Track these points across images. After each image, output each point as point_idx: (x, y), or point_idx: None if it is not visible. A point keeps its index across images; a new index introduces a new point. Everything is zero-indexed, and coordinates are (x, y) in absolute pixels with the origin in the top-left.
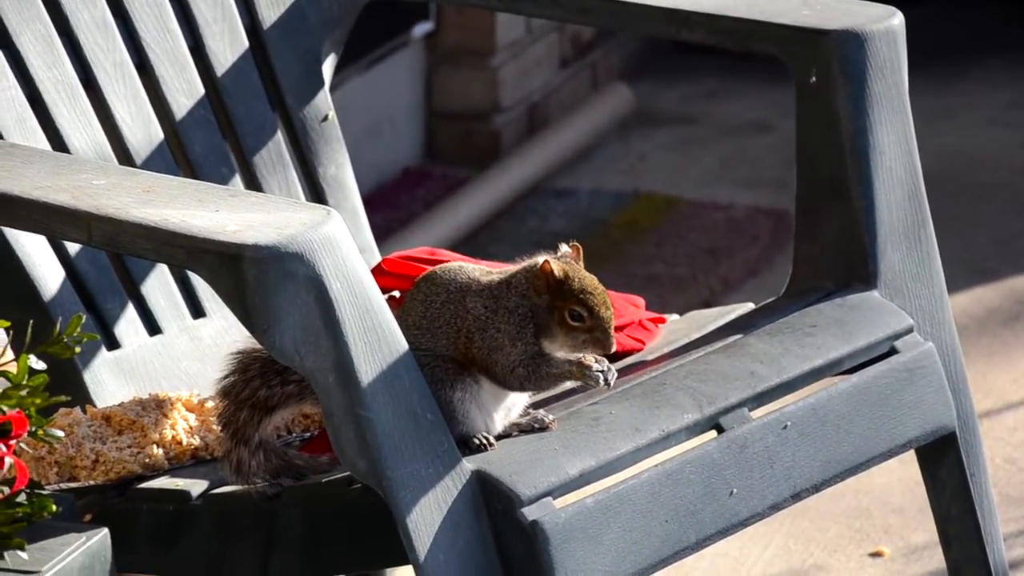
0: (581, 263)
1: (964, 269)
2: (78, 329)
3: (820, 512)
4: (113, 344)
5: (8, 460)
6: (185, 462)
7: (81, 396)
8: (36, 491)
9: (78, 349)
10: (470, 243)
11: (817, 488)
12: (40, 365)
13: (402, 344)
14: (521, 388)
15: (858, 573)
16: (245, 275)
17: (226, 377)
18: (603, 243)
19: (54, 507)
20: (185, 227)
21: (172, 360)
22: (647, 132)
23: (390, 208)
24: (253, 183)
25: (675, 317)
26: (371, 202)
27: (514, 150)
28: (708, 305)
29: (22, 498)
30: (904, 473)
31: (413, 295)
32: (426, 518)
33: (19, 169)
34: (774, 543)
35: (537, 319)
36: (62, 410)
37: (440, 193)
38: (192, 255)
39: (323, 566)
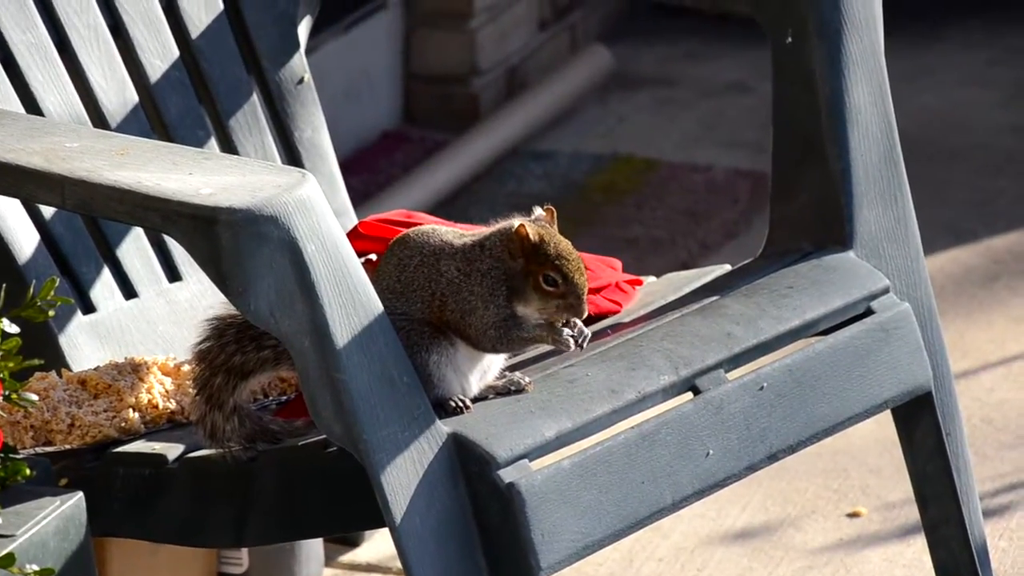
0: (555, 227)
1: (942, 230)
2: (52, 292)
3: (797, 473)
4: (89, 308)
5: None
6: (161, 426)
7: (57, 360)
8: (10, 455)
9: (52, 313)
10: (448, 206)
11: (793, 449)
12: (13, 329)
13: (377, 307)
14: (493, 350)
15: (835, 533)
16: (219, 238)
17: (201, 342)
18: (582, 205)
19: (28, 471)
20: (159, 190)
21: (148, 324)
22: (626, 94)
23: (368, 171)
24: (229, 146)
25: (652, 279)
26: (349, 166)
27: (492, 113)
28: (686, 267)
29: None
30: (881, 433)
31: (387, 258)
32: (402, 481)
33: None
34: (752, 504)
35: (511, 282)
36: (37, 374)
37: (418, 156)
38: (166, 218)
39: (299, 529)
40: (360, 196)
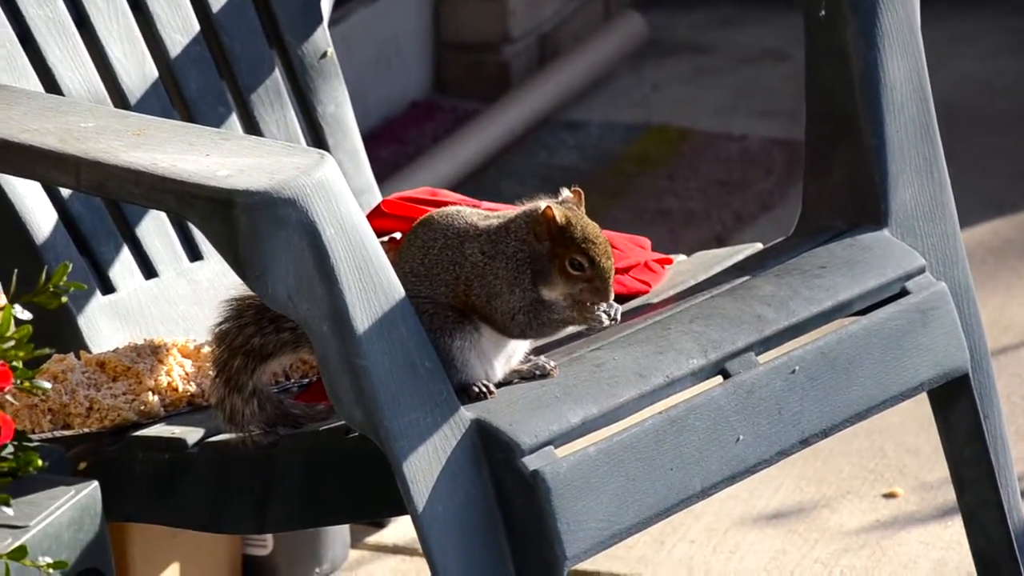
0: (583, 208)
1: (982, 201)
2: (64, 277)
3: (833, 452)
4: (108, 288)
5: None
6: (181, 409)
7: (76, 341)
8: (23, 443)
9: (65, 299)
10: (479, 177)
11: (827, 433)
12: (25, 315)
13: (399, 291)
14: (522, 335)
15: (871, 515)
16: (236, 221)
17: (220, 324)
18: (614, 177)
19: (40, 462)
20: (175, 172)
21: (168, 304)
22: (660, 62)
23: (397, 142)
24: (250, 122)
25: (682, 258)
26: (378, 136)
27: (524, 82)
28: (720, 239)
29: (8, 451)
30: (919, 412)
31: (411, 241)
32: (424, 468)
33: (5, 111)
34: (785, 485)
35: (536, 265)
36: (55, 356)
37: (448, 126)
38: (182, 201)
39: (321, 515)
40: (389, 167)
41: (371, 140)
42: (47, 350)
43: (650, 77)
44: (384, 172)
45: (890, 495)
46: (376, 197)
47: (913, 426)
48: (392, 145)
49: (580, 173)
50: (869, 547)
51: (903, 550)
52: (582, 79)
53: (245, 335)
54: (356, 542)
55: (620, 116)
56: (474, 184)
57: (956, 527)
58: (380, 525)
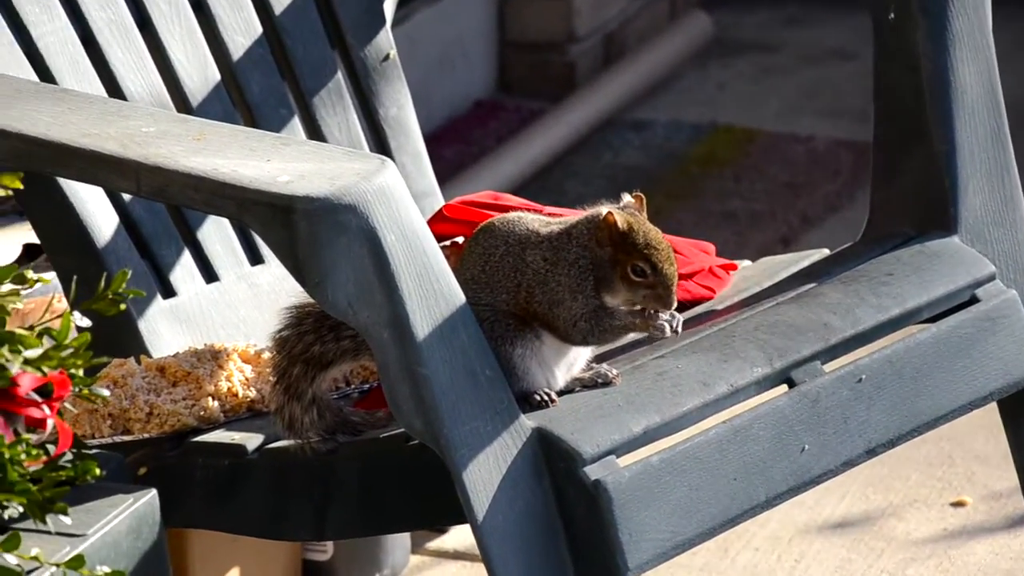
0: (644, 214)
1: None
2: (123, 284)
3: (900, 459)
4: (169, 292)
5: (50, 422)
6: (241, 414)
7: (136, 345)
8: (82, 451)
9: (123, 306)
10: (543, 178)
11: (893, 443)
12: (85, 322)
13: (460, 298)
14: (584, 342)
15: (939, 524)
16: (296, 227)
17: (280, 331)
18: (680, 177)
19: (98, 471)
20: (235, 177)
21: (229, 308)
22: (726, 61)
23: (461, 142)
24: (312, 125)
25: (747, 263)
26: (443, 136)
27: (589, 81)
28: (786, 241)
29: (67, 460)
30: (988, 419)
31: (471, 248)
32: (485, 478)
33: (67, 116)
34: (852, 492)
35: (598, 271)
36: (116, 360)
37: (513, 126)
38: (242, 206)
39: (380, 523)
40: (453, 167)
41: (435, 140)
42: (105, 359)
43: (716, 77)
44: (448, 172)
45: (958, 504)
46: (438, 200)
47: (982, 433)
48: (456, 145)
49: (645, 173)
50: (937, 557)
51: (971, 560)
52: (647, 79)
53: (305, 343)
54: (417, 547)
55: (686, 116)
56: (539, 184)
57: None
58: (441, 531)
